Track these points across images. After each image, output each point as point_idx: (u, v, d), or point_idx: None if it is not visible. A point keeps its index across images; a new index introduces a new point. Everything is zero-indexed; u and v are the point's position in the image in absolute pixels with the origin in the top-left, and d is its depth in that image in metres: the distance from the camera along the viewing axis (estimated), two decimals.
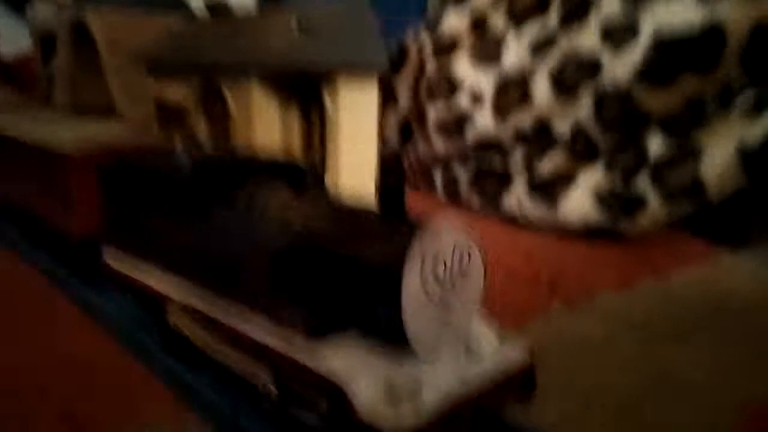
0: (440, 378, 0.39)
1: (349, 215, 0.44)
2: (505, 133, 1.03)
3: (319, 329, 0.40)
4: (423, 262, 0.39)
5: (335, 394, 0.38)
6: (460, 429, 0.38)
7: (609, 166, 0.96)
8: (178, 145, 0.62)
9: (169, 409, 0.52)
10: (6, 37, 1.93)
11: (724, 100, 0.90)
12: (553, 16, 1.00)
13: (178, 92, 0.98)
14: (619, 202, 0.95)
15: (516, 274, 0.86)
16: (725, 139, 0.86)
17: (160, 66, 1.02)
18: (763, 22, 0.84)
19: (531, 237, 1.03)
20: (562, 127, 0.99)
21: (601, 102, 0.93)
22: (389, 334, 0.39)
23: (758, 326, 0.71)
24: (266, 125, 0.86)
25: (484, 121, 1.05)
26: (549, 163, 1.01)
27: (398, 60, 1.26)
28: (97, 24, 1.13)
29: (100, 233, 0.62)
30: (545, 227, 1.02)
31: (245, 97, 0.89)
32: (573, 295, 0.79)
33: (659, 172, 0.92)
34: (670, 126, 0.92)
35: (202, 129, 0.96)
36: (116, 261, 0.60)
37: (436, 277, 0.39)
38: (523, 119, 1.01)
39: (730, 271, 0.90)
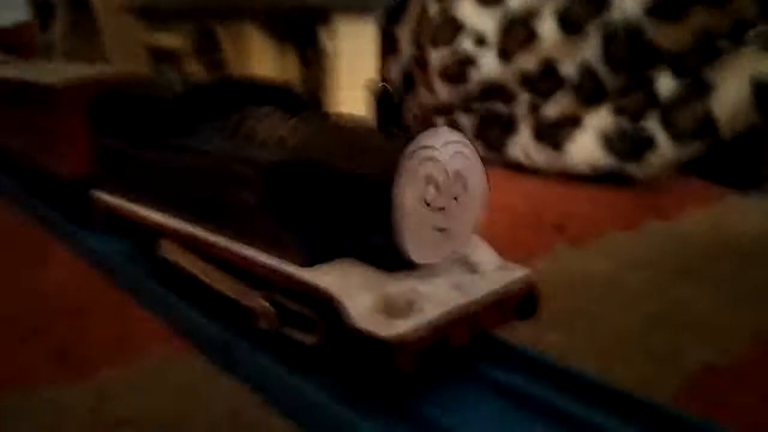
0: (438, 291, 0.37)
1: (343, 132, 0.42)
2: (510, 76, 1.00)
3: (314, 257, 0.39)
4: (419, 170, 0.37)
5: (330, 309, 0.36)
6: (459, 340, 0.36)
7: (617, 108, 0.94)
8: (168, 73, 0.60)
9: (161, 338, 0.51)
10: (3, 4, 1.90)
11: (736, 35, 0.87)
12: None
13: (171, 38, 0.96)
14: (627, 144, 0.92)
15: (521, 217, 0.85)
16: (738, 74, 0.83)
17: (153, 12, 0.99)
18: None
19: (537, 183, 1.00)
20: (569, 68, 0.96)
21: (609, 39, 0.90)
22: (386, 247, 0.37)
23: (763, 263, 0.69)
24: (263, 68, 0.84)
25: (488, 64, 1.02)
26: (555, 107, 0.99)
27: (399, 7, 1.22)
28: None
29: (91, 171, 0.60)
30: (552, 173, 1.00)
31: (240, 40, 0.87)
32: (578, 235, 0.78)
33: (669, 112, 0.89)
34: (681, 63, 0.89)
35: (198, 74, 0.94)
36: (107, 198, 0.58)
37: (435, 186, 0.37)
38: (529, 61, 0.98)
39: (738, 212, 0.87)
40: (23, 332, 0.53)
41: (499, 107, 1.05)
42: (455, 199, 0.39)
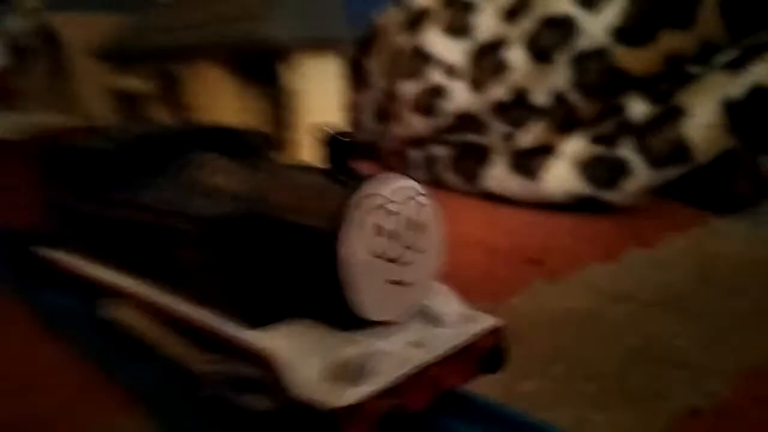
0: (395, 349, 0.35)
1: (291, 180, 0.39)
2: (482, 106, 0.99)
3: (262, 318, 0.36)
4: (366, 220, 0.34)
5: (274, 375, 0.33)
6: (418, 404, 0.33)
7: (591, 135, 0.92)
8: (119, 123, 0.57)
9: (112, 405, 0.47)
10: None
11: (705, 57, 0.86)
12: None
13: (136, 81, 0.94)
14: (602, 171, 0.90)
15: (497, 251, 0.82)
16: (709, 96, 0.82)
17: (116, 54, 0.97)
18: None
19: (514, 214, 0.98)
20: (541, 96, 0.94)
21: (579, 65, 0.89)
22: (338, 305, 0.35)
23: (745, 290, 0.67)
24: (226, 109, 0.82)
25: (459, 95, 1.00)
26: (529, 136, 0.97)
27: (369, 40, 1.21)
28: (66, 29, 1.10)
29: (39, 226, 0.57)
30: (527, 202, 0.98)
31: (202, 80, 0.85)
32: (557, 269, 0.75)
33: (643, 138, 0.88)
34: (651, 87, 0.88)
35: (161, 116, 0.92)
36: (54, 254, 0.55)
37: (386, 236, 0.35)
38: (500, 90, 0.97)
39: (719, 238, 0.86)
40: None
41: (473, 138, 1.04)
42: (409, 248, 0.36)
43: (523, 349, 0.41)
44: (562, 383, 0.49)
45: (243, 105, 0.81)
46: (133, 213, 0.43)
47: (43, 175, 0.56)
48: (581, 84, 0.90)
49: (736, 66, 0.81)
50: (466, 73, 1.00)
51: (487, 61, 0.97)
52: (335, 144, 0.37)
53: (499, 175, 0.99)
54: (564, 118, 0.93)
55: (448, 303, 0.40)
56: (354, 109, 1.16)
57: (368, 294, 0.35)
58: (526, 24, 0.93)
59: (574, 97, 0.92)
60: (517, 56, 0.94)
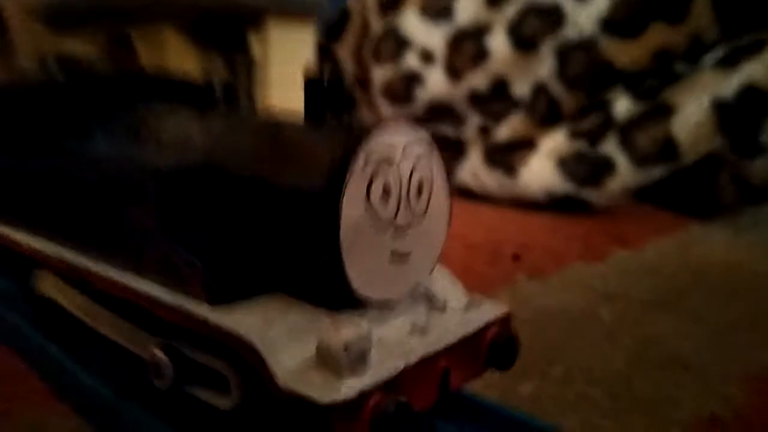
0: (396, 336, 0.28)
1: (269, 128, 0.32)
2: (459, 95, 0.94)
3: (228, 293, 0.29)
4: (370, 176, 0.28)
5: (249, 365, 0.26)
6: (424, 402, 0.27)
7: (574, 130, 0.88)
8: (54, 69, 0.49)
9: (36, 398, 0.39)
10: None
11: (694, 55, 0.83)
12: None
13: (82, 46, 0.85)
14: (585, 168, 0.86)
15: (476, 246, 0.77)
16: (699, 94, 0.79)
17: (60, 16, 0.88)
18: None
19: (490, 210, 0.93)
20: (522, 87, 0.90)
21: (564, 57, 0.85)
22: (326, 279, 0.28)
23: (737, 294, 0.64)
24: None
25: (435, 82, 0.95)
26: (507, 129, 0.92)
27: (339, 23, 1.15)
28: None
29: None
30: (505, 199, 0.93)
31: (158, 46, 0.77)
32: (539, 266, 0.70)
33: (628, 135, 0.84)
34: (638, 83, 0.84)
35: None
36: None
37: (392, 198, 0.29)
38: (479, 79, 0.92)
39: (702, 242, 0.83)
40: None
41: (448, 130, 0.98)
42: (418, 216, 0.30)
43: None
44: (564, 386, 0.44)
45: (203, 75, 0.73)
46: (74, 167, 0.36)
47: None
48: (565, 76, 0.86)
49: (727, 64, 0.78)
50: (443, 59, 0.94)
51: (466, 47, 0.92)
52: (320, 83, 0.30)
53: (474, 170, 0.94)
54: (545, 112, 0.89)
55: (452, 286, 0.33)
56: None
57: (366, 267, 0.28)
58: (510, 10, 0.88)
59: (557, 90, 0.87)
60: (498, 43, 0.89)
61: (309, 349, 0.26)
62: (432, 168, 0.31)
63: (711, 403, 0.41)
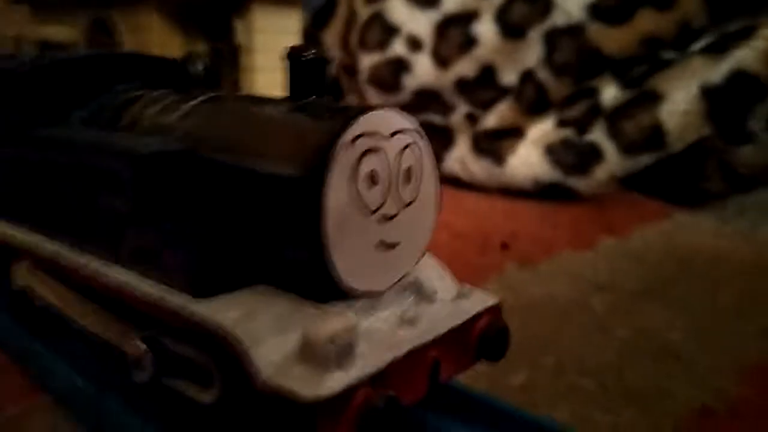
0: (384, 328, 0.27)
1: (253, 113, 0.31)
2: (446, 82, 0.93)
3: (210, 284, 0.28)
4: (357, 164, 0.27)
5: (231, 358, 0.25)
6: (413, 396, 0.26)
7: (562, 118, 0.87)
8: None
9: (17, 392, 0.38)
10: None
11: (682, 43, 0.82)
12: None
13: (61, 30, 0.83)
14: (572, 156, 0.86)
15: (464, 234, 0.76)
16: (687, 81, 0.78)
17: (41, 0, 0.86)
18: None
19: (478, 198, 0.92)
20: (510, 74, 0.89)
21: (552, 43, 0.84)
22: (311, 270, 0.27)
23: (725, 283, 0.64)
24: None
25: (422, 69, 0.93)
26: (495, 116, 0.91)
27: (326, 10, 1.13)
28: None
29: None
30: (492, 187, 0.92)
31: (139, 31, 0.75)
32: (528, 255, 0.70)
33: (616, 123, 0.83)
34: (627, 69, 0.83)
35: None
36: None
37: (380, 187, 0.28)
38: (467, 67, 0.91)
39: (689, 231, 0.82)
40: None
41: (435, 118, 0.97)
42: (406, 205, 0.29)
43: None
44: (555, 377, 0.43)
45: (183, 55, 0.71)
46: (49, 154, 0.34)
47: None
48: (553, 63, 0.85)
49: (716, 50, 0.78)
50: (430, 46, 0.93)
51: (453, 34, 0.91)
52: (304, 63, 0.29)
53: (462, 158, 0.93)
54: (533, 99, 0.88)
55: (440, 276, 0.33)
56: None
57: (353, 258, 0.27)
58: None
59: (545, 77, 0.87)
60: (486, 30, 0.88)
61: (293, 342, 0.25)
62: (421, 155, 0.30)
63: (703, 395, 0.41)
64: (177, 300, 0.27)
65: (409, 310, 0.29)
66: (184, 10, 0.71)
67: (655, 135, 0.80)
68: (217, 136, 0.30)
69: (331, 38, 1.12)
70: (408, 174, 0.29)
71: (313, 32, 1.14)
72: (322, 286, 0.27)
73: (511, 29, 0.86)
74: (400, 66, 0.95)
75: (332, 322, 0.25)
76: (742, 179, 0.87)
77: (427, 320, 0.29)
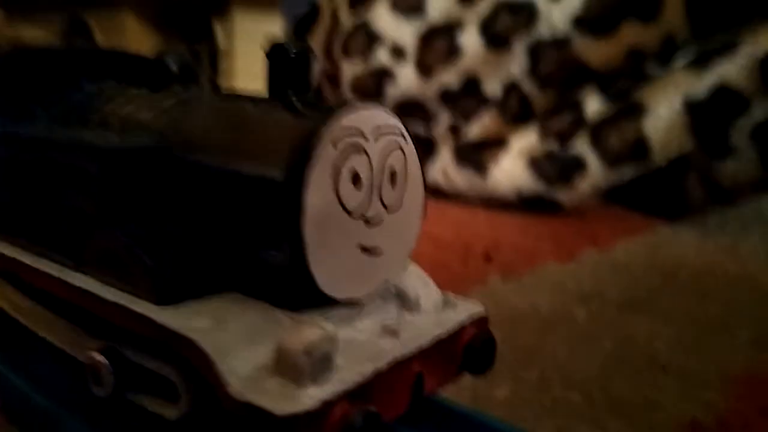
0: (364, 339, 0.26)
1: (230, 109, 0.30)
2: (430, 92, 0.92)
3: (177, 291, 0.26)
4: (338, 163, 0.25)
5: (197, 371, 0.24)
6: (393, 411, 0.25)
7: (545, 129, 0.87)
8: None
9: None
10: None
11: (665, 56, 0.82)
12: None
13: (35, 31, 0.81)
14: (555, 167, 0.85)
15: (447, 246, 0.75)
16: (670, 95, 0.78)
17: (17, 0, 0.83)
18: None
19: (460, 209, 0.91)
20: (494, 85, 0.88)
21: (536, 55, 0.83)
22: (287, 275, 0.26)
23: (708, 295, 0.63)
24: None
25: (406, 78, 0.93)
26: (478, 126, 0.90)
27: (309, 17, 1.12)
28: None
29: None
30: (474, 198, 0.91)
31: (116, 32, 0.73)
32: (511, 266, 0.69)
33: (600, 134, 0.83)
34: (611, 81, 0.83)
35: None
36: None
37: (361, 188, 0.26)
38: (450, 76, 0.90)
39: (671, 243, 0.82)
40: None
41: (418, 128, 0.96)
42: (390, 209, 0.28)
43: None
44: (539, 390, 0.42)
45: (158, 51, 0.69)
46: (5, 149, 0.32)
47: None
48: (537, 74, 0.85)
49: (699, 64, 0.78)
50: (414, 55, 0.92)
51: (437, 43, 0.90)
52: (285, 57, 0.28)
53: (445, 169, 0.92)
54: (517, 110, 0.88)
55: (424, 285, 0.31)
56: None
57: (332, 262, 0.26)
58: (483, 6, 0.87)
59: (529, 88, 0.86)
60: (470, 40, 0.88)
61: (266, 354, 0.23)
62: (406, 157, 0.28)
63: (692, 408, 0.40)
64: (140, 307, 0.25)
65: (392, 319, 0.28)
66: (162, 12, 0.70)
67: (639, 148, 0.80)
68: (191, 134, 0.29)
69: (313, 46, 1.11)
70: (392, 176, 0.28)
71: (295, 40, 1.13)
72: (299, 292, 0.26)
73: (496, 40, 0.85)
74: (384, 75, 0.94)
75: (308, 332, 0.23)
76: (723, 193, 0.87)
77: (411, 330, 0.27)
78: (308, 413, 0.21)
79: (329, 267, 0.26)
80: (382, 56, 0.93)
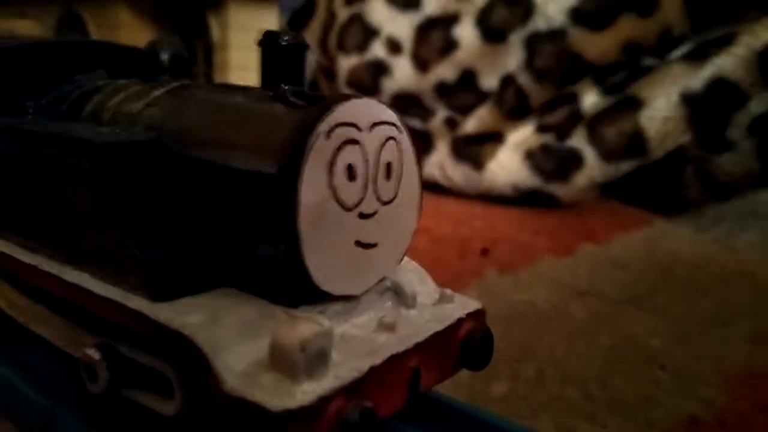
0: (361, 334, 0.26)
1: (224, 102, 0.29)
2: (426, 86, 0.91)
3: (173, 287, 0.26)
4: (334, 157, 0.25)
5: (192, 367, 0.23)
6: (390, 407, 0.25)
7: (541, 123, 0.86)
8: None
9: None
10: None
11: (662, 50, 0.82)
12: None
13: (28, 25, 0.80)
14: (552, 161, 0.85)
15: (443, 241, 0.74)
16: (668, 88, 0.78)
17: None
18: None
19: (457, 203, 0.91)
20: (490, 78, 0.88)
21: (533, 48, 0.83)
22: (282, 270, 0.25)
23: (705, 291, 0.63)
24: None
25: (402, 72, 0.92)
26: (475, 121, 0.90)
27: (304, 12, 1.11)
28: None
29: None
30: (471, 193, 0.91)
31: (111, 26, 0.72)
32: (508, 261, 0.68)
33: (597, 129, 0.83)
34: (608, 75, 0.83)
35: None
36: None
37: (357, 183, 0.26)
38: (447, 71, 0.89)
39: (668, 238, 0.82)
40: None
41: (414, 122, 0.96)
42: (385, 203, 0.27)
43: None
44: (537, 386, 0.42)
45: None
46: (3, 145, 0.32)
47: None
48: (534, 67, 0.85)
49: (697, 57, 0.77)
50: (410, 49, 0.92)
51: (434, 37, 0.90)
52: (278, 48, 0.27)
53: (442, 163, 0.92)
54: (514, 104, 0.87)
55: (421, 280, 0.31)
56: None
57: (328, 258, 0.25)
58: None
59: (526, 81, 0.86)
60: (467, 34, 0.87)
61: (261, 349, 0.23)
62: (402, 150, 0.28)
63: (690, 404, 0.40)
64: (134, 303, 0.25)
65: (388, 315, 0.27)
66: (157, 5, 0.69)
67: (636, 141, 0.80)
68: (184, 127, 0.28)
69: (309, 40, 1.10)
70: (388, 169, 0.27)
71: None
72: (294, 289, 0.25)
73: (492, 33, 0.85)
74: (380, 69, 0.93)
75: (303, 327, 0.23)
76: (720, 187, 0.87)
77: (407, 326, 0.27)
78: (303, 408, 0.21)
79: (324, 262, 0.25)
80: (377, 50, 0.93)
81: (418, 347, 0.26)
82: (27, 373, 0.34)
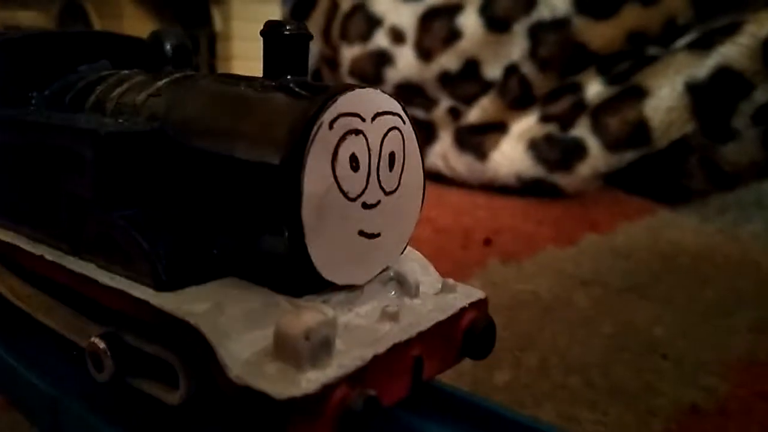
0: (364, 324, 0.26)
1: (227, 92, 0.29)
2: (429, 76, 0.91)
3: (177, 276, 0.26)
4: (337, 147, 0.25)
5: (197, 355, 0.23)
6: (394, 396, 0.25)
7: (544, 112, 0.86)
8: None
9: None
10: None
11: (667, 39, 0.81)
12: None
13: (31, 16, 0.80)
14: (555, 151, 0.85)
15: (446, 231, 0.75)
16: (672, 77, 0.78)
17: None
18: None
19: (460, 193, 0.91)
20: (494, 68, 0.87)
21: (536, 37, 0.83)
22: (287, 260, 0.25)
23: (708, 280, 0.63)
24: None
25: (405, 62, 0.92)
26: (479, 111, 0.90)
27: (307, 2, 1.11)
28: None
29: None
30: (474, 182, 0.91)
31: (113, 16, 0.72)
32: (511, 250, 0.68)
33: (601, 118, 0.82)
34: (612, 65, 0.82)
35: None
36: None
37: (361, 173, 0.26)
38: (450, 60, 0.89)
39: (671, 227, 0.82)
40: None
41: (418, 112, 0.96)
42: (388, 193, 0.27)
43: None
44: (540, 375, 0.42)
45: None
46: (4, 134, 0.32)
47: None
48: (537, 57, 0.84)
49: (701, 46, 0.77)
50: (413, 39, 0.91)
51: (437, 26, 0.89)
52: (281, 38, 0.27)
53: (445, 153, 0.92)
54: (517, 94, 0.87)
55: (424, 270, 0.31)
56: None
57: (331, 248, 0.26)
58: None
59: (529, 71, 0.85)
60: (470, 23, 0.87)
61: (266, 338, 0.23)
62: (405, 140, 0.28)
63: (692, 393, 0.40)
64: (140, 292, 0.25)
65: (391, 304, 0.28)
66: None
67: (640, 131, 0.80)
68: (187, 117, 0.28)
69: (312, 30, 1.10)
70: (391, 159, 0.27)
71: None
72: (298, 279, 0.26)
73: (496, 22, 0.85)
74: (383, 59, 0.93)
75: (307, 316, 0.23)
76: (724, 176, 0.87)
77: (410, 315, 0.27)
78: (307, 397, 0.21)
79: (328, 252, 0.25)
80: (380, 39, 0.92)
81: (421, 336, 0.26)
82: (33, 363, 0.34)
